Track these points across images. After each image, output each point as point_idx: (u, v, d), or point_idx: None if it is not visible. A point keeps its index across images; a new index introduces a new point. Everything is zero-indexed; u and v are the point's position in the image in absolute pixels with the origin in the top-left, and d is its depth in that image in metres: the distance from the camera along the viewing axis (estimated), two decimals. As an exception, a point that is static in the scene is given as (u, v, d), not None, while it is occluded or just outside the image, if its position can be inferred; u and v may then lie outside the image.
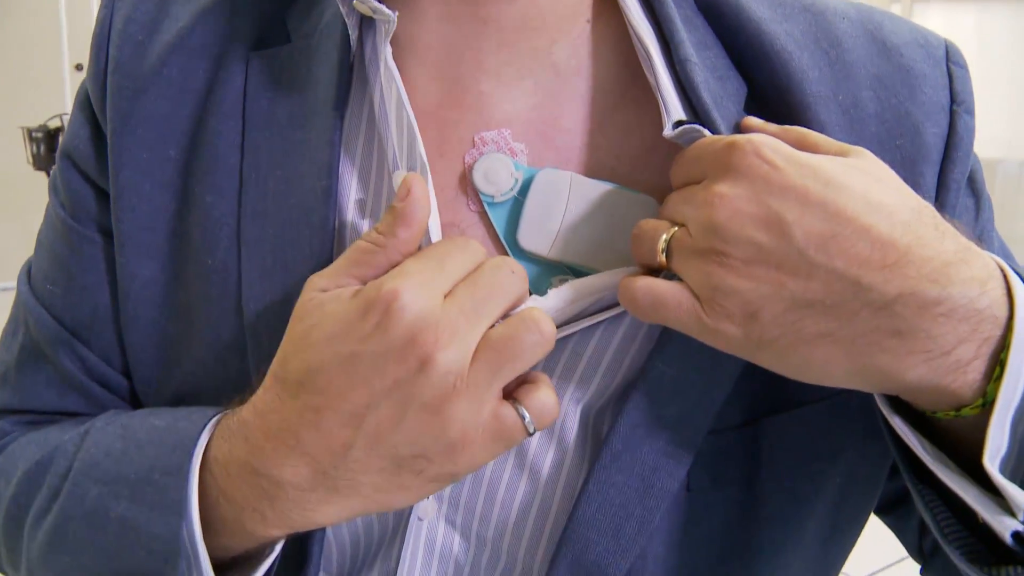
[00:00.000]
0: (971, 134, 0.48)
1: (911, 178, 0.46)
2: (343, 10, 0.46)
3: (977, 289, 0.37)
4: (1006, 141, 4.21)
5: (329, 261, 0.45)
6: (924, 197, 0.45)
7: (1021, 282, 0.38)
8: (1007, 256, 0.52)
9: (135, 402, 0.53)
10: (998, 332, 0.37)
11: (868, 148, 0.44)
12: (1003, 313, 0.37)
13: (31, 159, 3.33)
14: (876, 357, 0.37)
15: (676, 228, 0.40)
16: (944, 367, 0.37)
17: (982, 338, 0.37)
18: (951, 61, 0.49)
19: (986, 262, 0.38)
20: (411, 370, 0.37)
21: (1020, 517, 0.37)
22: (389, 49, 0.45)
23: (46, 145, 3.31)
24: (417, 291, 0.37)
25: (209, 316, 0.48)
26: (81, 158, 0.53)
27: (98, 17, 0.53)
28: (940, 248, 0.37)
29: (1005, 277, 0.38)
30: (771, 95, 0.47)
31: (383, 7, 0.44)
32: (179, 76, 0.50)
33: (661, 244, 0.40)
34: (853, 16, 0.50)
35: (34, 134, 3.30)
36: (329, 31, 0.48)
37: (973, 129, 0.48)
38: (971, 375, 0.37)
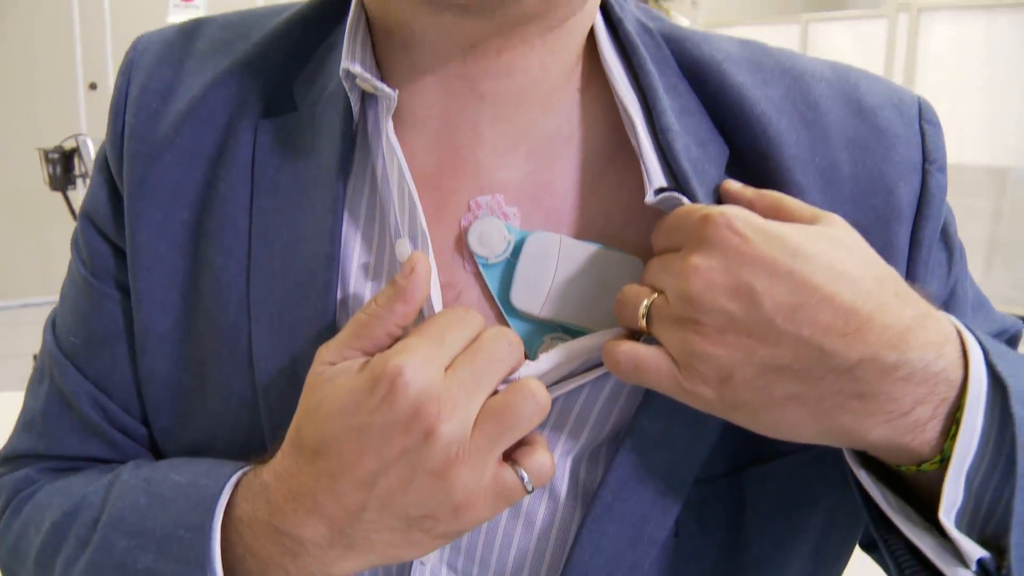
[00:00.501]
0: (942, 191, 0.50)
1: (885, 236, 0.48)
2: (346, 85, 0.48)
3: (933, 353, 0.39)
4: (1015, 149, 4.21)
5: (332, 323, 0.48)
6: (897, 254, 0.47)
7: (976, 343, 0.41)
8: (980, 303, 0.55)
9: (154, 448, 0.56)
10: (953, 393, 0.40)
11: (844, 208, 0.47)
12: (958, 375, 0.40)
13: (47, 179, 3.37)
14: (841, 418, 0.40)
15: (656, 295, 0.42)
16: (904, 427, 0.40)
17: (938, 399, 0.40)
18: (923, 120, 0.52)
19: (943, 326, 0.41)
20: (417, 440, 0.40)
21: (973, 568, 0.39)
22: (391, 125, 0.47)
23: (62, 166, 3.34)
24: (420, 367, 0.40)
25: (221, 371, 0.51)
26: (100, 219, 0.56)
27: (116, 84, 0.56)
28: (900, 315, 0.39)
29: (961, 339, 0.41)
30: (751, 158, 0.49)
31: (384, 86, 0.47)
32: (191, 143, 0.53)
33: (642, 310, 0.42)
34: (830, 77, 0.52)
35: (50, 155, 3.34)
36: (333, 100, 0.50)
37: (944, 186, 0.50)
38: (929, 433, 0.40)
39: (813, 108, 0.50)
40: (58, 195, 3.46)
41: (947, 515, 0.39)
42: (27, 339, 4.11)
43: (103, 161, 0.57)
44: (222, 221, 0.51)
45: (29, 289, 4.75)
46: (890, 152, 0.50)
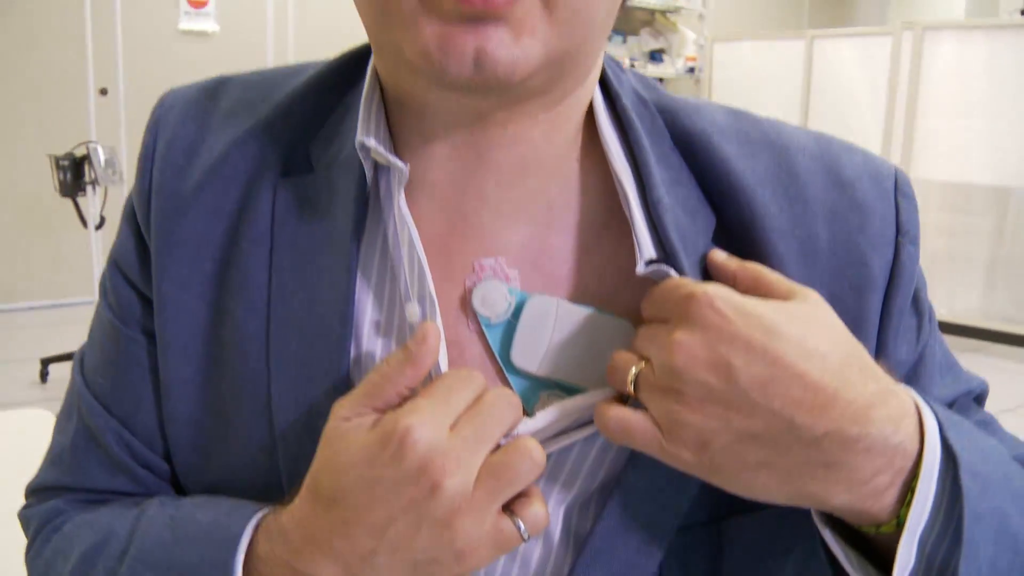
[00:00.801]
0: (913, 262, 0.54)
1: (858, 306, 0.52)
2: (361, 155, 0.52)
3: (892, 428, 0.43)
4: (1018, 169, 4.24)
5: (347, 377, 0.51)
6: (869, 322, 0.51)
7: (932, 417, 0.45)
8: (949, 365, 0.58)
9: (176, 483, 0.60)
10: (909, 464, 0.43)
11: (822, 278, 0.51)
12: (914, 448, 0.43)
13: (58, 186, 3.40)
14: (807, 484, 0.44)
15: (643, 363, 0.46)
16: (864, 493, 0.43)
17: (896, 469, 0.43)
18: (899, 193, 0.55)
19: (902, 401, 0.44)
20: (424, 493, 0.44)
21: None
22: (403, 197, 0.51)
23: (72, 172, 3.37)
24: (427, 426, 0.44)
25: (241, 416, 0.55)
26: (127, 268, 0.59)
27: (143, 139, 0.60)
28: (863, 391, 0.43)
29: (919, 412, 0.44)
30: (736, 228, 0.53)
31: (397, 161, 0.50)
32: (214, 200, 0.56)
33: (630, 377, 0.46)
34: (813, 150, 0.56)
35: (61, 162, 3.37)
36: (348, 164, 0.54)
37: (916, 257, 0.54)
38: (887, 500, 0.44)
39: (795, 181, 0.54)
40: (67, 203, 3.50)
41: (900, 575, 0.43)
42: (35, 342, 4.15)
43: (131, 211, 0.60)
44: (244, 275, 0.55)
45: (37, 292, 4.80)
46: (866, 225, 0.53)
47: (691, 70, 6.36)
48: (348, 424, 0.46)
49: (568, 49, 0.47)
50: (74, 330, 4.30)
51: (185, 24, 4.79)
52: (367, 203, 0.54)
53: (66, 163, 3.38)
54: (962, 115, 4.43)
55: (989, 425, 0.56)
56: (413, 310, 0.50)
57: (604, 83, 0.56)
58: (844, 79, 5.11)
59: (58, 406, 0.65)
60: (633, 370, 0.46)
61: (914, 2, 7.43)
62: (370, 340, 0.53)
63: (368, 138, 0.51)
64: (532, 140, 0.52)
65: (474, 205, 0.53)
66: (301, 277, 0.54)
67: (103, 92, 4.61)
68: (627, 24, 6.36)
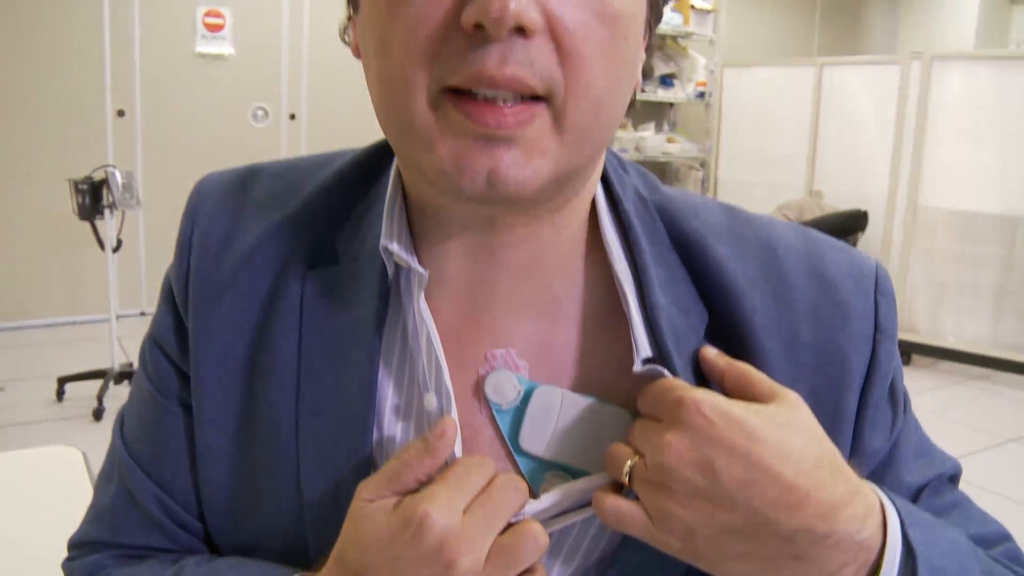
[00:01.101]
0: (890, 358, 0.58)
1: (836, 400, 0.57)
2: (383, 256, 0.57)
3: (858, 525, 0.48)
4: (1024, 197, 4.29)
5: (370, 456, 0.56)
6: (846, 415, 0.56)
7: (895, 514, 0.49)
8: (923, 450, 0.62)
9: (209, 543, 0.64)
10: (872, 558, 0.49)
11: (804, 373, 0.55)
12: (877, 543, 0.48)
13: (76, 209, 3.46)
14: (781, 573, 0.49)
15: (637, 458, 0.51)
16: None
17: (860, 562, 0.48)
18: (879, 291, 0.60)
19: (868, 499, 0.49)
20: (440, 571, 0.49)
21: None
22: (423, 298, 0.56)
23: (90, 196, 3.43)
24: (442, 511, 0.49)
25: (271, 486, 0.59)
26: (166, 345, 0.64)
27: (181, 228, 0.65)
28: (833, 491, 0.48)
29: (883, 510, 0.49)
30: (727, 325, 0.57)
31: (418, 266, 0.55)
32: (248, 287, 0.61)
33: (626, 470, 0.51)
34: (800, 250, 0.60)
35: (80, 186, 3.43)
36: (371, 259, 0.58)
37: (892, 352, 0.59)
38: None
39: (783, 281, 0.58)
40: (85, 226, 3.56)
41: None
42: (52, 360, 4.21)
43: (168, 292, 0.65)
44: (275, 358, 0.60)
45: (55, 310, 4.88)
46: (846, 324, 0.58)
47: (701, 95, 6.41)
48: (372, 505, 0.51)
49: (576, 165, 0.52)
50: (90, 348, 4.37)
51: (202, 48, 4.87)
52: (388, 296, 0.58)
53: (85, 187, 3.44)
54: (971, 144, 4.47)
55: (960, 505, 0.60)
56: (431, 400, 0.55)
57: (606, 182, 0.60)
58: (853, 106, 5.16)
59: (77, 426, 0.69)
60: (628, 463, 0.51)
61: (924, 31, 7.48)
62: (391, 423, 0.58)
63: (391, 243, 0.56)
64: (540, 240, 0.57)
65: (487, 300, 0.58)
66: (328, 363, 0.58)
67: (120, 114, 4.69)
68: (638, 48, 6.41)
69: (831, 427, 0.54)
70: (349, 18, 0.57)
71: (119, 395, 3.52)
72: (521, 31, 0.46)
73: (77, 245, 4.28)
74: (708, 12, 6.34)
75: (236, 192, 0.65)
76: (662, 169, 6.76)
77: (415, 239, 0.59)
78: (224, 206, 0.64)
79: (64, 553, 0.69)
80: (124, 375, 3.55)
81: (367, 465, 0.55)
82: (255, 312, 0.61)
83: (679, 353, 0.55)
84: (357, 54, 0.55)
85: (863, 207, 5.02)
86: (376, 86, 0.51)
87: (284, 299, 0.61)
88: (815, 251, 0.61)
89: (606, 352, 0.58)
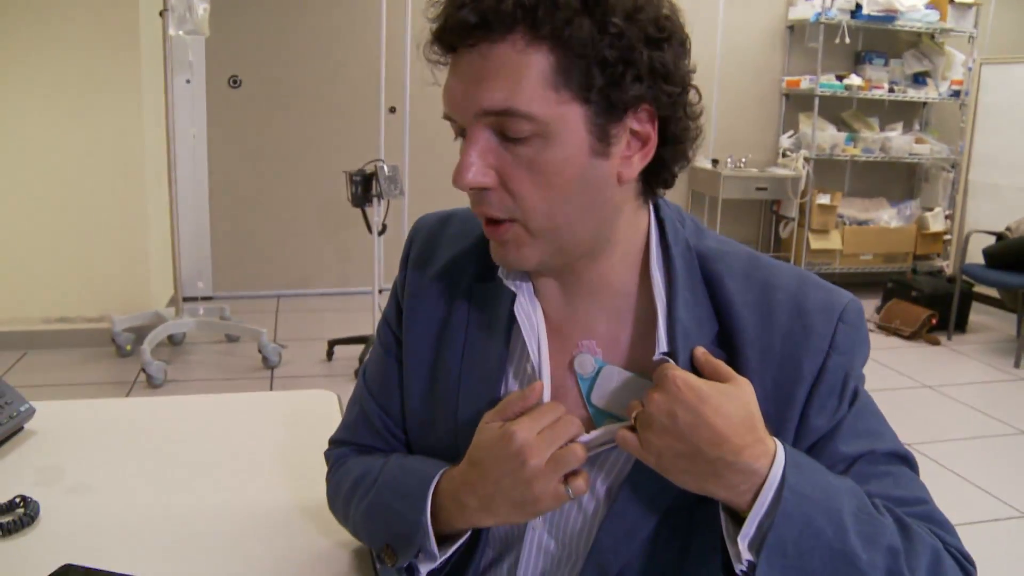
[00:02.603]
0: (838, 367, 0.84)
1: (790, 390, 0.84)
2: (506, 283, 0.91)
3: (754, 461, 0.75)
4: None
5: (497, 399, 0.90)
6: (797, 400, 0.84)
7: (783, 456, 0.76)
8: (870, 432, 0.86)
9: (409, 449, 1.02)
10: (760, 481, 0.75)
11: (772, 371, 0.84)
12: (765, 472, 0.75)
13: (350, 197, 4.03)
14: (706, 484, 0.77)
15: (641, 407, 0.80)
16: (735, 493, 0.76)
17: (752, 483, 0.75)
18: (841, 321, 0.85)
19: (767, 447, 0.76)
20: (517, 466, 0.82)
21: (742, 566, 0.76)
22: (538, 308, 0.90)
23: (363, 186, 3.97)
24: (523, 430, 0.82)
25: (442, 414, 0.95)
26: (391, 321, 1.02)
27: (404, 249, 1.03)
28: (744, 439, 0.75)
29: (776, 455, 0.76)
30: (726, 334, 0.86)
31: (512, 287, 0.89)
32: (438, 291, 0.97)
33: (634, 414, 0.80)
34: (791, 288, 0.86)
35: (354, 177, 3.99)
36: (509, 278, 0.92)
37: (844, 363, 0.84)
38: (746, 497, 0.76)
39: (770, 309, 0.85)
40: (357, 212, 4.13)
41: (743, 539, 0.75)
42: (324, 325, 4.89)
43: (395, 288, 1.03)
44: (451, 336, 0.96)
45: (328, 282, 5.65)
46: (807, 341, 0.84)
47: (956, 94, 6.19)
48: (488, 425, 0.86)
49: (561, 249, 0.84)
50: (356, 316, 5.03)
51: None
52: (514, 302, 0.91)
53: (358, 178, 4.00)
54: None
55: (893, 475, 0.84)
56: (529, 368, 0.89)
57: (663, 231, 0.90)
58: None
59: (339, 381, 1.10)
60: (635, 412, 0.81)
61: None
62: (511, 384, 0.92)
63: (504, 275, 0.91)
64: (596, 273, 0.88)
65: (573, 309, 0.91)
66: (481, 346, 0.93)
67: (392, 110, 5.29)
68: (890, 47, 6.29)
69: (784, 407, 0.83)
70: None
71: (377, 358, 4.08)
72: (484, 188, 0.81)
73: (350, 228, 4.91)
74: (969, 6, 6.10)
75: (437, 228, 1.02)
76: (910, 170, 6.59)
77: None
78: (430, 237, 1.01)
79: (320, 458, 1.10)
80: (382, 342, 4.09)
81: (497, 399, 0.90)
82: (442, 308, 0.97)
83: (684, 350, 0.84)
84: None
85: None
86: None
87: (460, 300, 0.96)
88: (802, 290, 0.87)
89: (646, 345, 0.88)
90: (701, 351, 0.84)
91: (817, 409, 0.84)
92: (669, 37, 0.79)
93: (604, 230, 0.86)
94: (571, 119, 0.78)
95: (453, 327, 0.96)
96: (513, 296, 0.91)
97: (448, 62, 0.82)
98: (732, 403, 0.77)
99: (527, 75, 0.76)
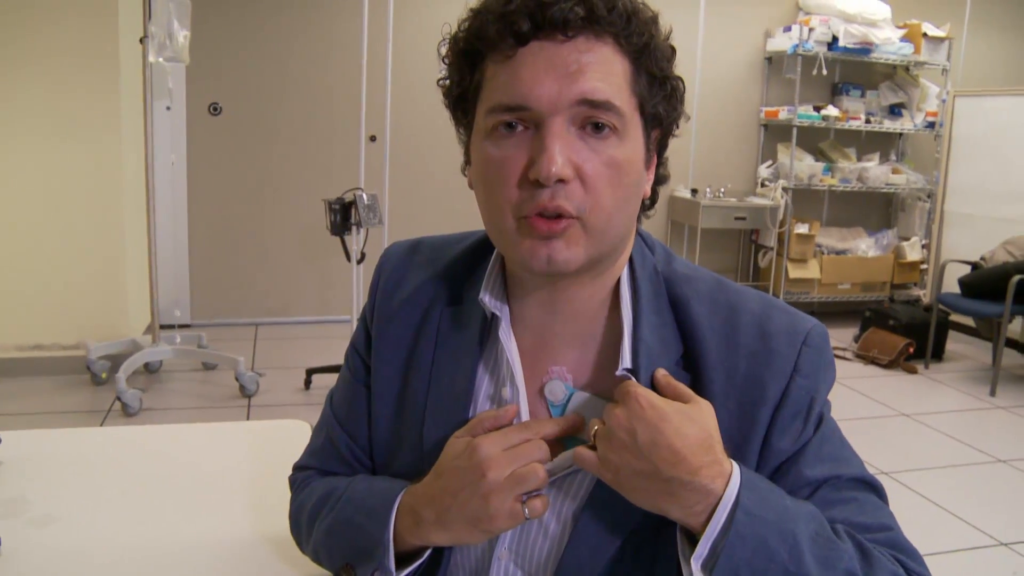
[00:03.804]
0: (802, 390, 0.84)
1: (753, 411, 0.84)
2: (480, 302, 0.90)
3: (710, 482, 0.75)
4: None
5: (465, 422, 0.89)
6: (760, 422, 0.83)
7: (739, 477, 0.76)
8: (836, 458, 0.86)
9: (375, 473, 1.01)
10: (715, 501, 0.75)
11: (735, 392, 0.84)
12: (720, 492, 0.75)
13: (329, 225, 4.02)
14: (660, 502, 0.77)
15: (601, 424, 0.80)
16: (690, 513, 0.76)
17: (707, 503, 0.76)
18: (805, 344, 0.85)
19: (723, 468, 0.76)
20: (477, 477, 0.82)
21: None
22: (510, 332, 0.90)
23: (341, 215, 3.97)
24: (487, 446, 0.82)
25: (409, 439, 0.95)
26: (359, 347, 1.02)
27: (373, 275, 1.03)
28: (701, 459, 0.75)
29: (732, 476, 0.76)
30: (691, 356, 0.86)
31: (497, 311, 0.89)
32: (407, 316, 0.97)
33: (593, 431, 0.81)
34: (756, 311, 0.87)
35: (332, 205, 3.99)
36: (480, 303, 0.91)
37: (805, 387, 0.85)
38: (701, 518, 0.76)
39: (735, 332, 0.86)
40: (336, 241, 4.13)
41: (696, 560, 0.75)
42: (302, 353, 4.87)
43: (363, 315, 1.03)
44: (419, 361, 0.95)
45: (307, 310, 5.63)
46: (771, 363, 0.84)
47: (931, 125, 6.28)
48: (457, 440, 0.86)
49: (602, 252, 0.84)
50: (334, 345, 4.99)
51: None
52: (489, 325, 0.91)
53: (336, 207, 4.00)
54: None
55: (858, 501, 0.84)
56: (506, 392, 0.89)
57: (631, 259, 0.90)
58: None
59: (317, 410, 1.10)
60: (595, 429, 0.81)
61: None
62: (483, 404, 0.92)
63: (485, 295, 0.90)
64: (581, 298, 0.88)
65: (547, 333, 0.90)
66: (449, 366, 0.93)
67: (372, 139, 5.30)
68: (867, 78, 6.38)
69: (748, 429, 0.83)
70: (467, 163, 0.90)
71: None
72: (562, 180, 0.79)
73: (329, 256, 4.91)
74: (943, 40, 6.20)
75: (406, 256, 1.02)
76: (887, 200, 6.66)
77: (508, 292, 0.92)
78: (398, 265, 1.02)
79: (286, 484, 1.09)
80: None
81: (465, 422, 0.90)
82: (411, 332, 0.97)
83: (647, 369, 0.84)
84: (471, 186, 0.88)
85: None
86: (483, 209, 0.86)
87: (428, 324, 0.96)
88: (766, 314, 0.87)
89: (609, 369, 0.88)
90: (662, 373, 0.84)
91: (780, 431, 0.84)
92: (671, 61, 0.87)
93: (623, 244, 0.88)
94: (638, 124, 0.84)
95: (421, 352, 0.96)
96: (482, 320, 0.91)
97: (512, 54, 0.81)
98: (691, 424, 0.77)
99: (619, 72, 0.82)
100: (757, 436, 0.84)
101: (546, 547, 0.88)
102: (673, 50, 0.87)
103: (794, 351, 0.85)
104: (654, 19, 0.85)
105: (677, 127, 0.90)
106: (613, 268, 0.89)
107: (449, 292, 0.96)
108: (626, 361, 0.85)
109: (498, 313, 0.90)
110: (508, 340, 0.90)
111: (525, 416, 0.88)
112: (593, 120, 0.80)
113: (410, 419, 0.95)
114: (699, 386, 0.84)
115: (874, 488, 0.87)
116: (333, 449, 1.03)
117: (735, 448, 0.82)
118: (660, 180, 0.91)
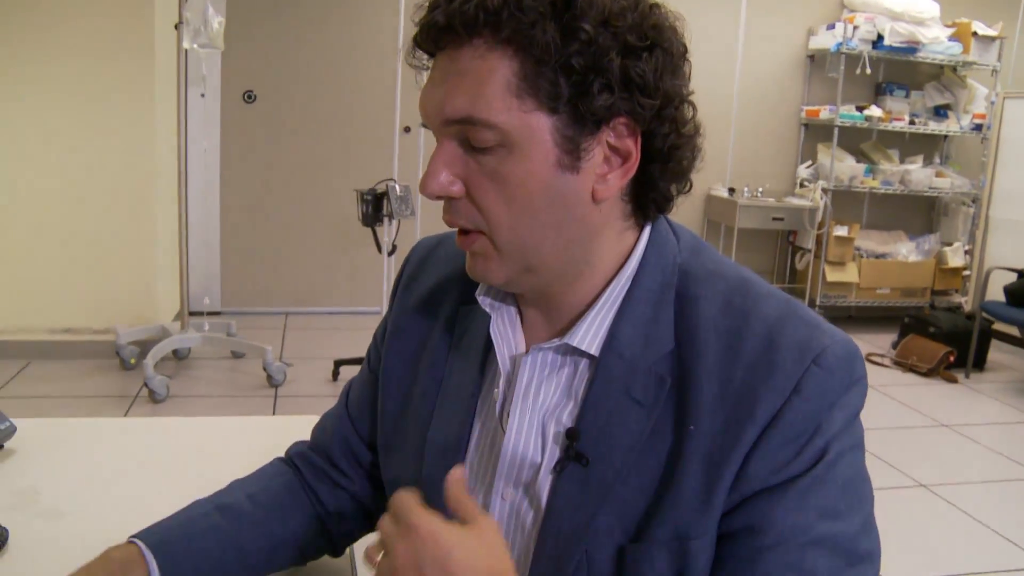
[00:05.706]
0: (801, 415, 0.72)
1: (738, 429, 0.72)
2: (480, 302, 0.86)
3: None
4: None
5: (472, 417, 0.86)
6: (742, 442, 0.72)
7: None
8: (806, 504, 0.72)
9: (375, 467, 0.99)
10: None
11: (724, 405, 0.73)
12: None
13: (360, 216, 3.99)
14: None
15: (384, 554, 0.66)
16: None
17: None
18: (815, 363, 0.72)
19: None
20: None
21: None
22: (503, 340, 0.85)
23: (373, 206, 3.95)
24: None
25: (411, 435, 0.91)
26: (378, 338, 1.00)
27: (402, 265, 0.99)
28: None
29: None
30: (683, 358, 0.76)
31: (488, 308, 0.85)
32: (422, 313, 0.94)
33: (378, 558, 0.67)
34: (770, 319, 0.76)
35: (364, 196, 3.96)
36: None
37: (803, 410, 0.72)
38: None
39: (740, 340, 0.75)
40: (367, 231, 4.09)
41: None
42: (331, 344, 4.84)
43: (389, 308, 0.98)
44: (430, 360, 0.91)
45: (337, 301, 5.59)
46: (770, 378, 0.73)
47: (978, 127, 6.11)
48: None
49: (529, 267, 0.78)
50: (363, 337, 4.92)
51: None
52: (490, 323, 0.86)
53: (369, 198, 3.97)
54: None
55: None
56: (496, 393, 0.85)
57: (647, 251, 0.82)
58: None
59: None
60: (378, 557, 0.67)
61: None
62: (488, 414, 0.87)
63: (482, 294, 0.86)
64: (569, 303, 0.83)
65: (545, 332, 0.85)
66: (459, 368, 0.89)
67: (406, 130, 5.26)
68: (911, 78, 6.23)
69: (728, 449, 0.72)
70: None
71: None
72: (451, 197, 0.77)
73: (360, 247, 4.87)
74: (993, 40, 6.03)
75: (430, 252, 0.99)
76: (930, 204, 6.51)
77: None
78: (421, 260, 0.99)
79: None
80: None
81: (469, 423, 0.86)
82: (425, 329, 0.93)
83: (614, 360, 0.78)
84: None
85: None
86: None
87: (441, 322, 0.92)
88: (781, 322, 0.76)
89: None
90: (458, 472, 0.71)
91: (762, 455, 0.73)
92: (652, 47, 0.74)
93: (577, 251, 0.79)
94: (537, 129, 0.73)
95: (432, 350, 0.92)
96: (487, 319, 0.86)
97: (430, 64, 0.78)
98: (476, 555, 0.65)
99: (489, 81, 0.72)
100: (736, 458, 0.73)
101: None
102: (639, 30, 0.73)
103: (799, 368, 0.73)
104: (568, 4, 0.71)
105: (672, 106, 0.76)
106: (594, 272, 0.81)
107: (465, 290, 0.91)
108: (575, 339, 0.79)
109: (490, 311, 0.86)
110: (496, 337, 0.85)
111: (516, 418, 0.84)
112: (465, 137, 0.75)
113: (416, 417, 0.91)
114: (684, 392, 0.76)
115: (860, 560, 0.73)
116: (340, 433, 1.02)
117: (708, 471, 0.73)
118: (667, 177, 0.80)
